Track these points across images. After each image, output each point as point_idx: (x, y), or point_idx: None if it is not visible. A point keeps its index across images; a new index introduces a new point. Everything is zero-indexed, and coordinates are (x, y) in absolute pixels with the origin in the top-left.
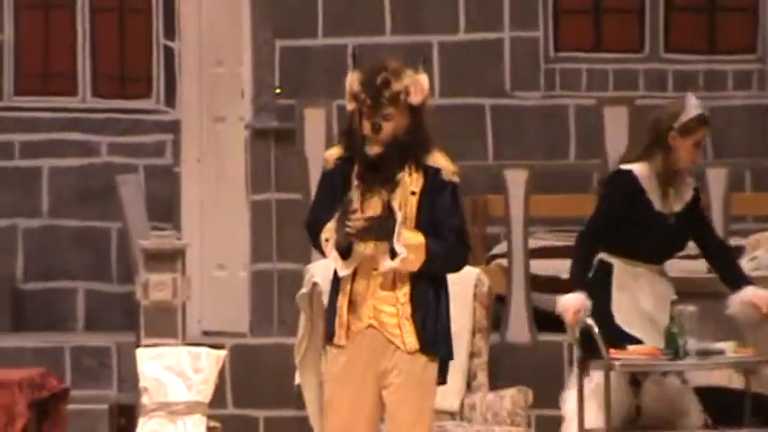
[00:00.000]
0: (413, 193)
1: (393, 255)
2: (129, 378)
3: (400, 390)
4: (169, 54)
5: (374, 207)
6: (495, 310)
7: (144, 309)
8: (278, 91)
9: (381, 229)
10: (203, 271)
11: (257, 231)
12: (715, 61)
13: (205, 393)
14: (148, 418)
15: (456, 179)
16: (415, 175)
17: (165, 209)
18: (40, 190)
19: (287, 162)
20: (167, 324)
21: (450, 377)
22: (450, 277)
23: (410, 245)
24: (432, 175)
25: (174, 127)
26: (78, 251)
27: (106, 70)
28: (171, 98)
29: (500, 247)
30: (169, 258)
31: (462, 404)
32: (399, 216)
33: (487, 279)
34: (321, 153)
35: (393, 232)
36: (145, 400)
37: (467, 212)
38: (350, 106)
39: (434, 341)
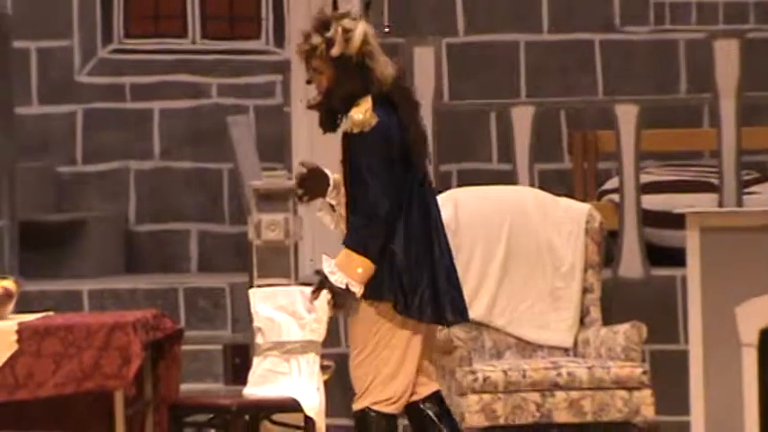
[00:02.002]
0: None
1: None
2: (243, 318)
3: None
4: None
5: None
6: (607, 245)
7: (256, 249)
8: (386, 30)
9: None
10: (314, 210)
11: None
12: None
13: (318, 332)
14: (263, 358)
15: (356, 130)
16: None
17: (275, 149)
18: (152, 132)
19: None
20: (280, 264)
21: (562, 313)
22: (562, 214)
23: (341, 265)
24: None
25: (283, 67)
26: (190, 192)
27: (215, 11)
28: (280, 38)
29: (611, 183)
30: (281, 198)
31: (576, 340)
32: (324, 265)
33: (599, 215)
34: (430, 91)
35: (337, 288)
36: (259, 339)
37: (577, 148)
38: None
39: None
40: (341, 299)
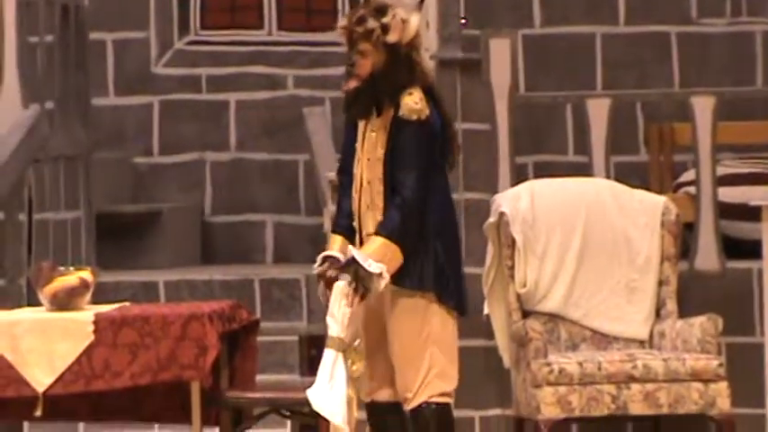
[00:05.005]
0: (385, 127)
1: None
2: (318, 309)
3: None
4: None
5: (370, 146)
6: (683, 237)
7: None
8: (463, 21)
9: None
10: None
11: None
12: None
13: (332, 327)
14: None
15: (414, 117)
16: (389, 112)
17: None
18: (228, 123)
19: (473, 92)
20: None
21: (638, 305)
22: (638, 206)
23: (376, 254)
24: (395, 110)
25: None
26: (266, 184)
27: (292, 3)
28: None
29: (687, 175)
30: None
31: (652, 332)
32: (357, 255)
33: (675, 207)
34: (507, 83)
35: (366, 273)
36: None
37: (653, 141)
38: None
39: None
40: (368, 286)
